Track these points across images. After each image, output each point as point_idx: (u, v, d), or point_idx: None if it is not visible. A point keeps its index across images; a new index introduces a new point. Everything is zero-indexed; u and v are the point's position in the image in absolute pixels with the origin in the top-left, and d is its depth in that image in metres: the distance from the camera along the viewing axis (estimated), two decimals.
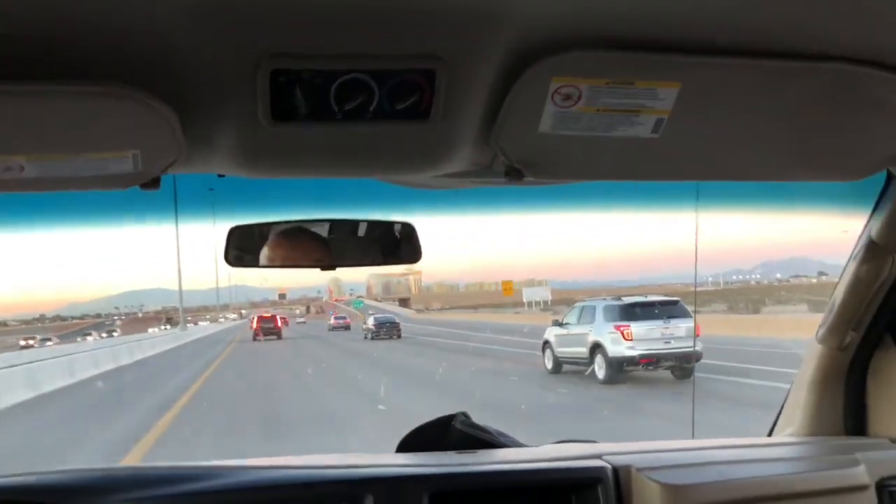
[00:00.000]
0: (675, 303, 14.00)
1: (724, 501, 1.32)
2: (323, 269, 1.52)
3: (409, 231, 1.52)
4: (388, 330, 29.42)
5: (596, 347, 13.33)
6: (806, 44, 1.02)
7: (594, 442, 1.65)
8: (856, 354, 1.64)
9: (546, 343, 15.18)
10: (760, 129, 1.16)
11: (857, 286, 1.50)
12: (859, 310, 1.53)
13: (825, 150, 1.22)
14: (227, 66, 0.93)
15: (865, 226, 1.53)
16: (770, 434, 1.85)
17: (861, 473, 1.42)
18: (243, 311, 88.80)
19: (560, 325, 14.94)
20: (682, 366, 12.74)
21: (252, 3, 0.85)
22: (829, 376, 1.66)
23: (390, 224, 1.54)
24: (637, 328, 12.90)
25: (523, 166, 1.17)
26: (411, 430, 1.64)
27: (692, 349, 12.61)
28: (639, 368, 12.99)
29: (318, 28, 0.89)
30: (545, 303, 38.16)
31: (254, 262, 1.50)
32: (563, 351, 14.62)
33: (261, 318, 36.13)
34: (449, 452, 1.52)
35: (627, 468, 1.38)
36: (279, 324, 34.68)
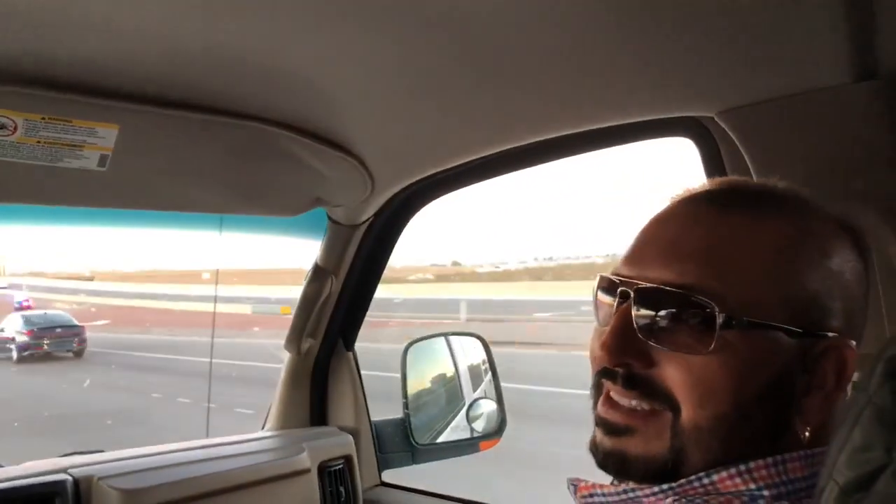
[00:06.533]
0: None
1: (176, 500, 1.47)
2: None
3: None
4: (56, 342, 17.70)
5: None
6: (227, 103, 1.22)
7: (99, 452, 1.68)
8: (318, 357, 1.94)
9: None
10: (203, 169, 1.33)
11: (307, 302, 1.80)
12: (312, 321, 1.83)
13: (264, 191, 1.45)
14: None
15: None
16: (263, 428, 2.08)
17: (304, 459, 1.70)
18: None
19: None
20: None
21: None
22: (297, 377, 1.94)
23: None
24: None
25: None
26: None
27: None
28: None
29: None
30: None
31: None
32: None
33: None
34: None
35: (89, 478, 1.44)
36: None
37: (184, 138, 1.25)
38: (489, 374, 2.03)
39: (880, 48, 0.97)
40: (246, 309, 25.27)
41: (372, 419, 1.98)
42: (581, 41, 1.04)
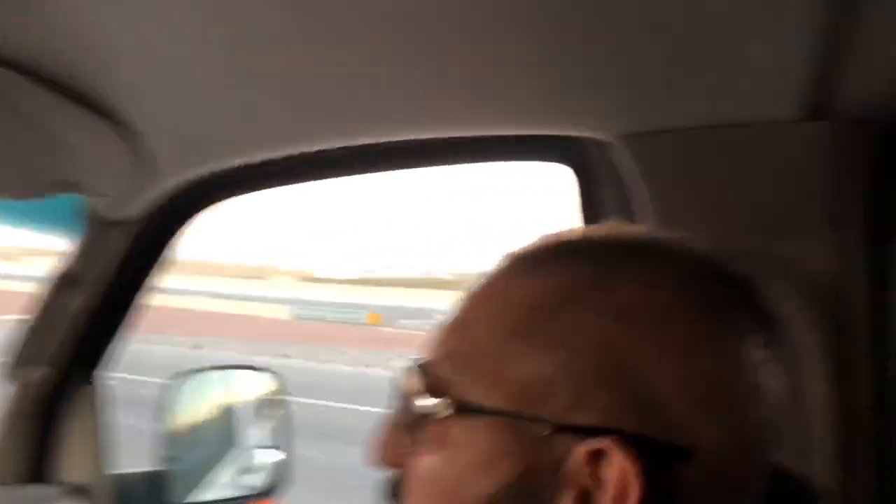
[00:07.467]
0: None
1: None
2: None
3: None
4: None
5: None
6: None
7: None
8: (51, 391, 1.47)
9: None
10: None
11: (41, 319, 1.34)
12: (44, 343, 1.37)
13: None
14: None
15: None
16: None
17: None
18: None
19: None
20: None
21: None
22: (19, 416, 1.45)
23: None
24: None
25: None
26: None
27: None
28: None
29: None
30: None
31: None
32: None
33: None
34: None
35: None
36: None
37: None
38: (278, 418, 1.67)
39: (842, 88, 0.79)
40: (277, 311, 20.09)
41: (116, 472, 1.54)
42: (457, 19, 0.77)
